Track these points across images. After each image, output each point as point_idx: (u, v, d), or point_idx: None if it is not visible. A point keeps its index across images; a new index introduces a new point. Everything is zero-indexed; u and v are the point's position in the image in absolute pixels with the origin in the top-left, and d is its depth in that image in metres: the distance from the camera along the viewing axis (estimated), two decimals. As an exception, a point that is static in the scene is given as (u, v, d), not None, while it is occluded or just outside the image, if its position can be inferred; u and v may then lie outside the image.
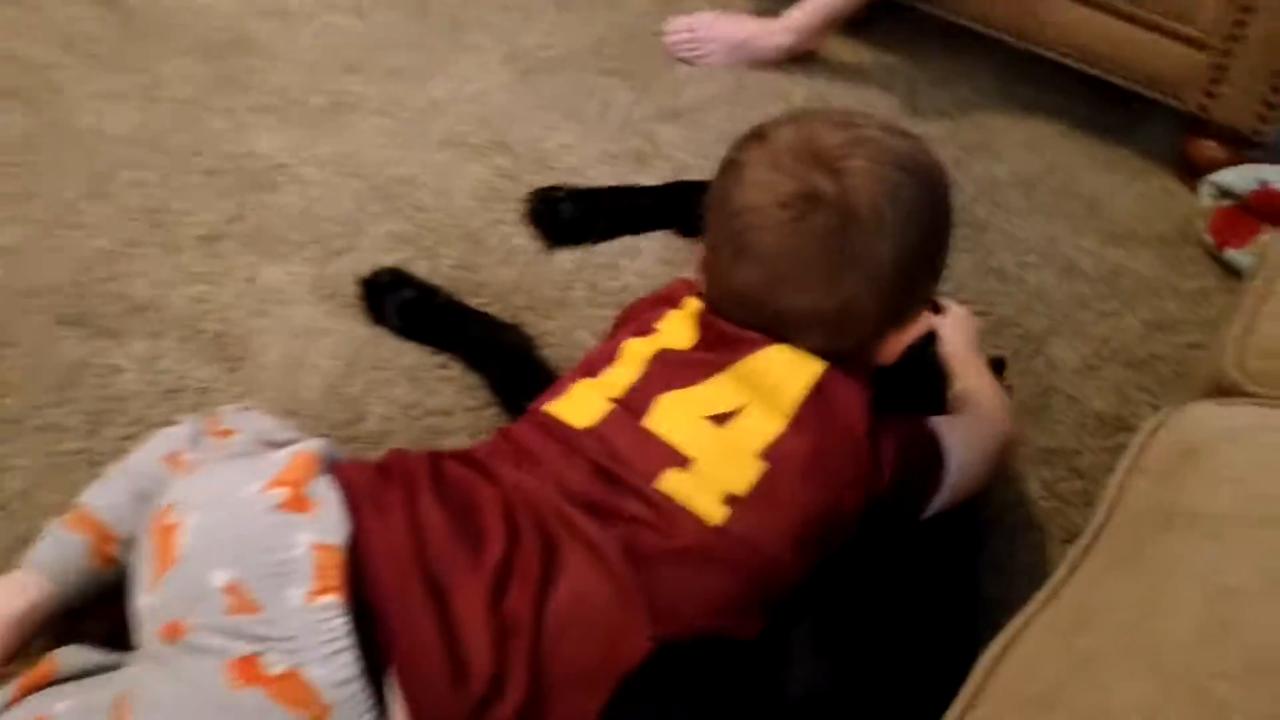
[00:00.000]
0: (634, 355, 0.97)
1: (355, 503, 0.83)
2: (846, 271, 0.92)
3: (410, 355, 1.29)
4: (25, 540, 0.97)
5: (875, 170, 0.92)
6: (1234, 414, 0.69)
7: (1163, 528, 0.59)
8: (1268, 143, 1.68)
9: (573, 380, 0.97)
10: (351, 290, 1.34)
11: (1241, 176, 1.61)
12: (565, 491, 0.87)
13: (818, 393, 0.92)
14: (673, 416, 0.92)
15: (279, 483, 0.84)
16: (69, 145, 1.50)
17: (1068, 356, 1.47)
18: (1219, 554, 0.56)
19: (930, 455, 0.98)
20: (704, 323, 0.98)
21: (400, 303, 1.30)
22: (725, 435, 0.91)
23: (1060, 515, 1.27)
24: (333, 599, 0.80)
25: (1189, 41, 1.64)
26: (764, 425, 0.91)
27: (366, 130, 1.62)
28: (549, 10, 1.96)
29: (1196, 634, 0.50)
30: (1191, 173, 1.73)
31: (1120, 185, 1.76)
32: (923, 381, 1.21)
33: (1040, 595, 0.60)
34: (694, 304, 1.00)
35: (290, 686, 0.79)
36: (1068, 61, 1.77)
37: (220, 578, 0.80)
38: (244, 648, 0.80)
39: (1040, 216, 1.69)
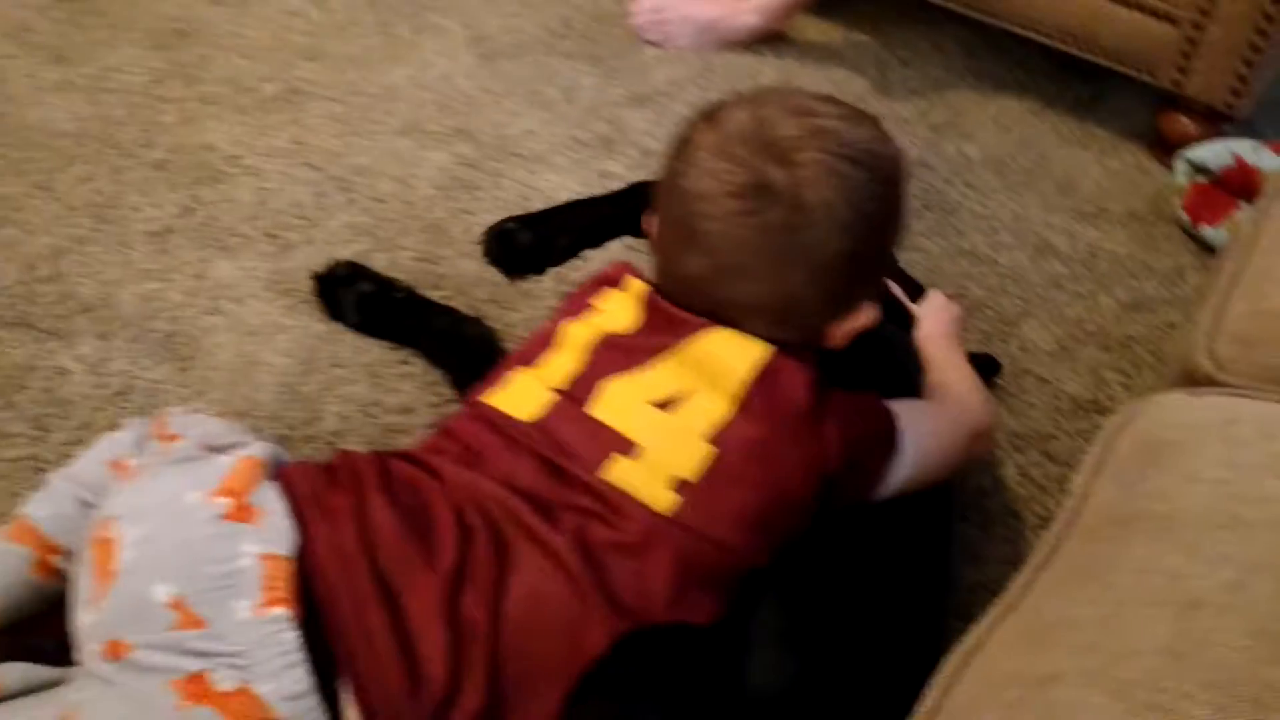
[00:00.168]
0: (574, 341, 0.94)
1: (302, 508, 0.81)
2: (794, 265, 0.90)
3: (369, 352, 1.25)
4: (-35, 553, 0.93)
5: (828, 164, 0.90)
6: (1204, 406, 0.67)
7: (1127, 533, 0.57)
8: (1241, 117, 1.65)
9: (511, 369, 0.95)
10: (307, 285, 1.31)
11: (1215, 152, 1.59)
12: (514, 489, 0.85)
13: (764, 375, 0.90)
14: (618, 403, 0.90)
15: (222, 491, 0.81)
16: (14, 139, 1.46)
17: (1041, 338, 1.45)
18: (1184, 562, 0.53)
19: (881, 434, 0.96)
20: (650, 305, 0.96)
21: (357, 297, 1.27)
22: (672, 420, 0.89)
23: (1036, 501, 1.24)
24: (282, 611, 0.77)
25: (1161, 16, 1.62)
26: (711, 409, 0.89)
27: (322, 119, 1.58)
28: (511, -9, 1.92)
29: (1160, 652, 0.48)
30: (1165, 148, 1.70)
31: (1093, 162, 1.73)
32: (895, 369, 1.18)
33: (998, 607, 0.57)
34: (637, 285, 0.97)
35: (241, 703, 0.77)
36: (1039, 38, 1.74)
37: (163, 593, 0.77)
38: (191, 665, 0.77)
39: (1012, 196, 1.67)
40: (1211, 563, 0.52)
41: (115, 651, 0.78)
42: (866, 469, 0.94)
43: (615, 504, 0.85)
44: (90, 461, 0.96)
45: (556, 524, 0.84)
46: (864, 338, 1.20)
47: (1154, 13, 1.62)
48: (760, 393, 0.90)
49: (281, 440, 1.14)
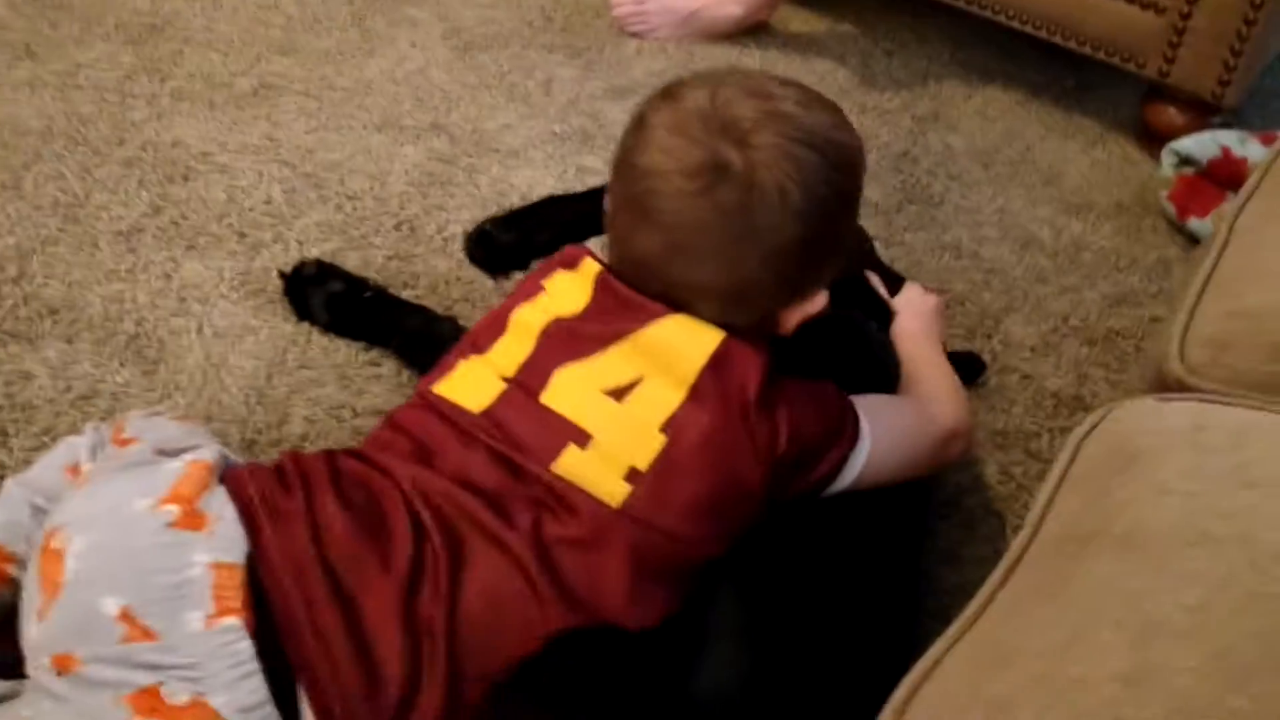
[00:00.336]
0: (524, 326, 0.93)
1: (252, 513, 0.79)
2: (746, 248, 0.89)
3: (339, 353, 1.23)
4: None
5: (784, 147, 0.89)
6: (1174, 413, 0.65)
7: (1089, 548, 0.55)
8: (1229, 107, 1.63)
9: (461, 356, 0.93)
10: (277, 285, 1.28)
11: (1202, 143, 1.57)
12: (467, 484, 0.84)
13: (716, 362, 0.89)
14: (570, 391, 0.88)
15: (170, 498, 0.79)
16: (-19, 138, 1.44)
17: (1025, 334, 1.43)
18: (1147, 581, 0.51)
19: (834, 425, 0.94)
20: (601, 284, 0.94)
21: (327, 297, 1.24)
22: (625, 409, 0.88)
23: (1017, 500, 1.23)
24: (234, 620, 0.76)
25: (1147, 5, 1.59)
26: (664, 397, 0.88)
27: (295, 114, 1.55)
28: (491, -17, 1.89)
29: (1118, 679, 0.46)
30: (1152, 139, 1.68)
31: (1078, 153, 1.71)
32: (873, 364, 1.16)
33: (956, 625, 0.55)
34: (591, 266, 0.96)
35: (196, 716, 0.76)
36: (1024, 28, 1.72)
37: (111, 605, 0.76)
38: (142, 678, 0.76)
39: (997, 188, 1.65)
40: (1175, 582, 0.50)
41: (64, 666, 0.77)
42: (818, 459, 0.93)
43: (568, 498, 0.84)
44: (47, 467, 0.94)
45: (511, 520, 0.83)
46: (841, 332, 1.18)
47: (1140, 2, 1.60)
48: (711, 380, 0.88)
49: (248, 444, 1.13)
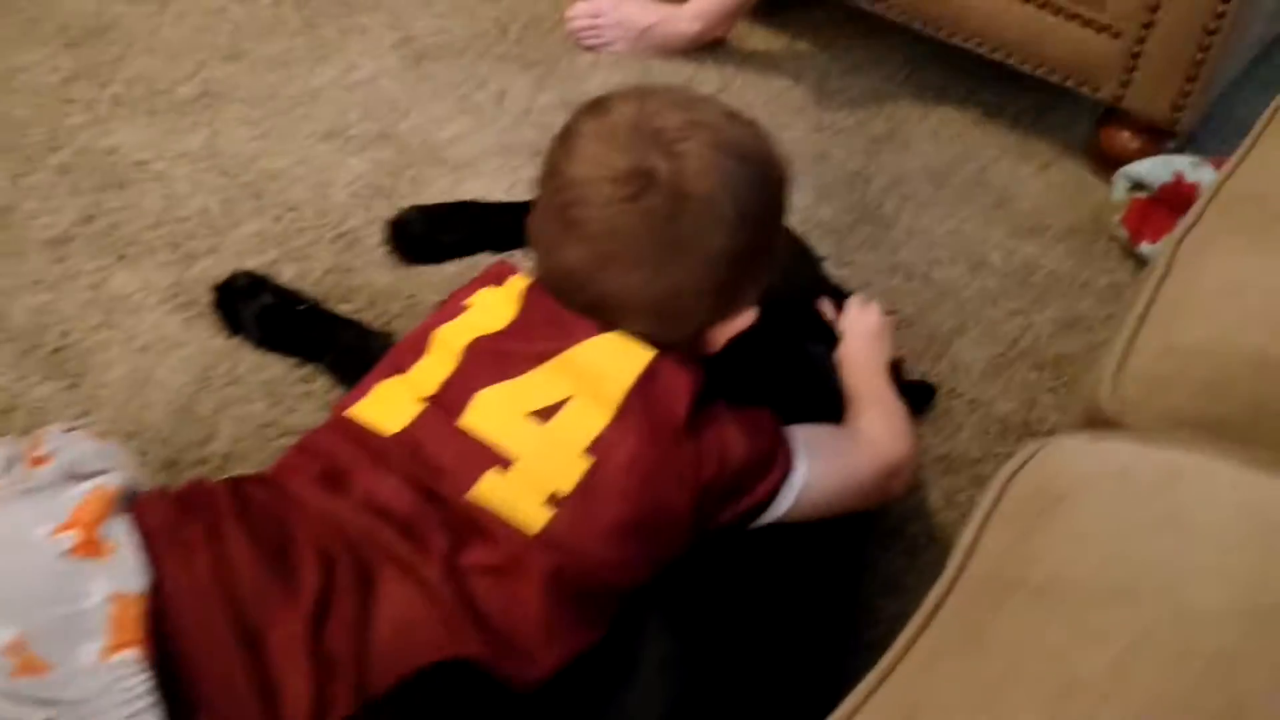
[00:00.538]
0: (445, 345, 0.90)
1: (155, 543, 0.76)
2: (674, 257, 0.88)
3: (271, 369, 1.20)
4: None
5: (712, 156, 0.88)
6: (1105, 452, 0.63)
7: (1007, 599, 0.53)
8: (1184, 132, 1.62)
9: (380, 376, 0.90)
10: (209, 297, 1.25)
11: (1155, 168, 1.56)
12: (378, 512, 0.81)
13: (644, 383, 0.87)
14: (492, 413, 0.86)
15: (70, 524, 0.76)
16: (-90, 141, 1.40)
17: (974, 357, 1.41)
18: (1069, 636, 0.49)
19: (765, 453, 0.92)
20: (528, 300, 0.92)
21: (259, 310, 1.21)
22: (549, 431, 0.85)
23: (962, 528, 1.20)
24: (131, 654, 0.73)
25: (1102, 28, 1.58)
26: (589, 419, 0.86)
27: (238, 122, 1.52)
28: (446, -8, 1.86)
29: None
30: (1106, 163, 1.67)
31: (1032, 175, 1.70)
32: (821, 391, 1.14)
33: (866, 682, 0.53)
34: (518, 282, 0.94)
35: (88, 754, 0.72)
36: (980, 50, 1.70)
37: (2, 636, 0.72)
38: (34, 715, 0.73)
39: (950, 209, 1.63)
40: (1094, 639, 0.48)
41: (-49, 700, 0.73)
42: (748, 487, 0.91)
43: (485, 525, 0.82)
44: (-47, 485, 0.90)
45: (424, 548, 0.80)
46: (788, 358, 1.16)
47: (1095, 25, 1.59)
48: (639, 401, 0.87)
49: (170, 464, 1.09)
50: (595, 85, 1.72)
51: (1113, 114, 1.65)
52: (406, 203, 1.45)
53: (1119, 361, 0.72)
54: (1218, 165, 1.53)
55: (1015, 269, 1.55)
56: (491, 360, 0.89)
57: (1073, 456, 0.63)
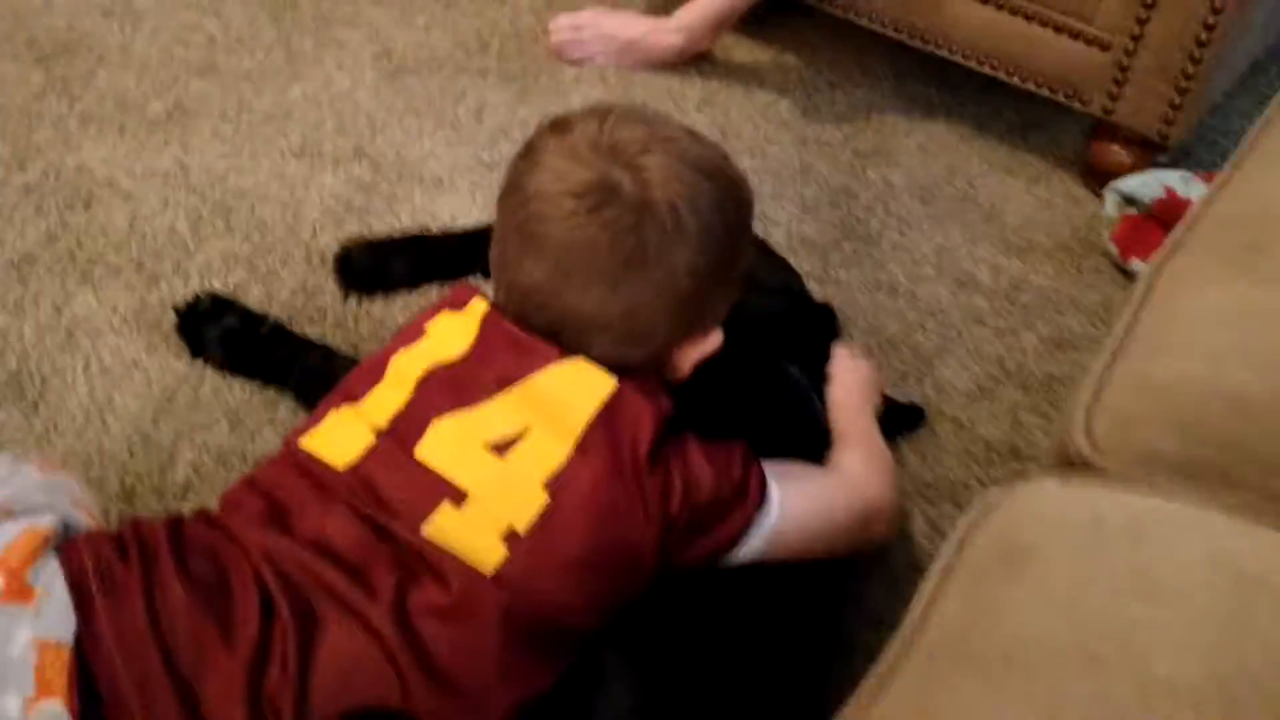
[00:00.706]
0: (401, 373, 0.87)
1: (84, 587, 0.73)
2: (637, 272, 0.86)
3: (233, 393, 1.17)
4: None
5: (675, 168, 0.87)
6: (1074, 499, 0.59)
7: (963, 666, 0.49)
8: (1175, 146, 1.59)
9: (332, 405, 0.87)
10: (173, 320, 1.22)
11: (1146, 183, 1.53)
12: (323, 551, 0.78)
13: (607, 412, 0.84)
14: (447, 444, 0.83)
15: (-4, 568, 0.72)
16: None
17: (958, 378, 1.38)
18: (1024, 713, 0.45)
19: (735, 489, 0.89)
20: (487, 324, 0.89)
21: (222, 333, 1.18)
22: (506, 464, 0.82)
23: (922, 582, 1.16)
24: (55, 704, 0.70)
25: (1090, 41, 1.55)
26: (548, 451, 0.83)
27: (209, 139, 1.49)
28: (429, 4, 1.83)
29: None
30: (1096, 178, 1.64)
31: (1021, 191, 1.67)
32: (789, 413, 1.11)
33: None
34: (479, 306, 0.91)
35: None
36: (967, 62, 1.68)
37: (-77, 684, 0.69)
38: (-47, 768, 0.69)
39: (936, 225, 1.60)
40: (1056, 716, 0.45)
41: None
42: (715, 524, 0.87)
43: (437, 564, 0.79)
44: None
45: (371, 589, 0.77)
46: (762, 379, 1.13)
47: (1083, 37, 1.56)
48: (601, 432, 0.84)
49: (127, 493, 1.06)
50: (577, 99, 1.70)
51: (1103, 128, 1.62)
52: (379, 220, 1.42)
53: (1092, 397, 0.68)
54: (1210, 180, 1.50)
55: (1003, 287, 1.52)
56: (448, 389, 0.86)
57: (1039, 503, 0.60)
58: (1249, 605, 0.49)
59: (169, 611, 0.73)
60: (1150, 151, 1.60)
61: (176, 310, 1.21)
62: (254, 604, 0.74)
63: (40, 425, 1.11)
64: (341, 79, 1.65)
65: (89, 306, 1.23)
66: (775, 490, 0.90)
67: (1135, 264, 1.53)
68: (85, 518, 0.85)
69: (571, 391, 0.85)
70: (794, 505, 0.91)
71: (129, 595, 0.73)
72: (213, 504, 0.86)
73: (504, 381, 0.85)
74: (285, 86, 1.61)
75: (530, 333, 0.88)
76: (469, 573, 0.78)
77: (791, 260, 1.42)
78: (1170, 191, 1.51)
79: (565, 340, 0.88)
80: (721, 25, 1.78)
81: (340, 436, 0.84)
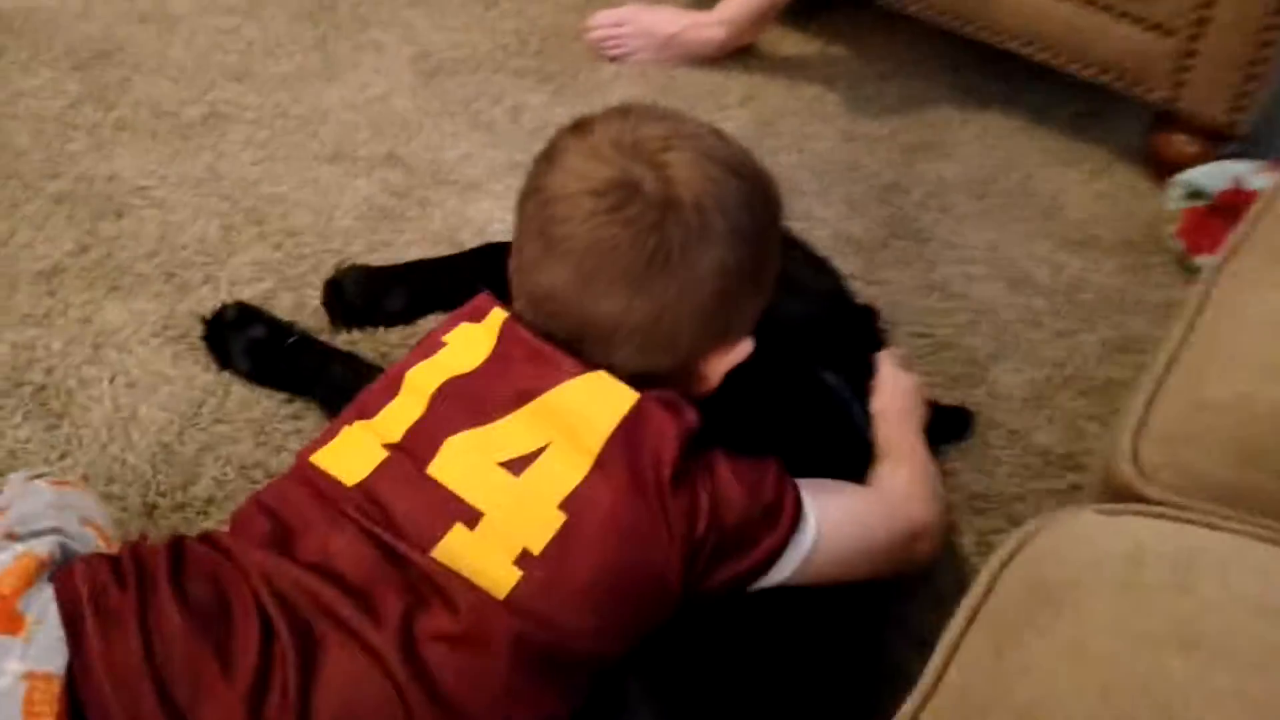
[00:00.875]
0: (415, 387, 0.84)
1: (78, 615, 0.71)
2: (661, 274, 0.81)
3: (259, 405, 1.15)
4: None
5: (700, 164, 0.83)
6: (1113, 531, 0.54)
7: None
8: (1242, 135, 1.51)
9: (347, 421, 0.84)
10: (200, 331, 1.20)
11: (1213, 174, 1.45)
12: (328, 574, 0.75)
13: (628, 428, 0.80)
14: (462, 461, 0.79)
15: (-12, 594, 0.70)
16: (-93, 171, 1.37)
17: (1014, 383, 1.32)
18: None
19: (766, 509, 0.84)
20: (505, 335, 0.85)
21: (248, 343, 1.16)
22: (521, 483, 0.79)
23: (947, 623, 1.10)
24: None
25: (1152, 26, 1.48)
26: (566, 469, 0.79)
27: (243, 144, 1.47)
28: (466, 4, 1.80)
29: None
30: (1160, 170, 1.56)
31: (1081, 184, 1.60)
32: (828, 424, 1.06)
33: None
34: (498, 316, 0.87)
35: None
36: (1023, 51, 1.61)
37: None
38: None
39: (991, 221, 1.53)
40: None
41: None
42: (746, 547, 0.83)
43: (447, 587, 0.75)
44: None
45: (377, 614, 0.74)
46: (799, 388, 1.08)
47: (1146, 23, 1.49)
48: (621, 449, 0.79)
49: (149, 509, 1.04)
50: (616, 97, 1.65)
51: (1166, 117, 1.55)
52: (412, 226, 1.39)
53: (1139, 419, 0.63)
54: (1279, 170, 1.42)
55: (1061, 286, 1.45)
56: (463, 403, 0.82)
57: (1077, 538, 0.54)
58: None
59: (165, 640, 0.71)
60: (1216, 141, 1.52)
61: (203, 320, 1.19)
62: (254, 630, 0.72)
63: (63, 439, 1.09)
64: (378, 82, 1.62)
65: (117, 318, 1.22)
66: (812, 512, 0.85)
67: (1201, 260, 1.45)
68: (95, 536, 0.83)
69: (591, 406, 0.81)
70: (831, 528, 0.86)
71: (123, 624, 0.71)
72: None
73: (521, 396, 0.82)
74: (321, 90, 1.59)
75: (550, 344, 0.84)
76: (480, 597, 0.75)
77: (836, 260, 1.36)
78: (1238, 183, 1.44)
79: (587, 349, 0.84)
80: (764, 18, 1.73)
81: (352, 452, 0.81)
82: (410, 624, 0.74)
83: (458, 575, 0.75)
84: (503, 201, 1.44)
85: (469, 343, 0.86)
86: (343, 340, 1.22)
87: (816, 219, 1.49)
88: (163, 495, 1.06)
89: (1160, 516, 0.55)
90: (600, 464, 0.79)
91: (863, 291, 1.38)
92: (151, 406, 1.13)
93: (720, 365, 0.88)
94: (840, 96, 1.71)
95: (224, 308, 1.19)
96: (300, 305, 1.26)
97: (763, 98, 1.69)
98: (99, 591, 0.72)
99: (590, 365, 0.84)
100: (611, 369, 0.84)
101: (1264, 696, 0.43)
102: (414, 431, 0.81)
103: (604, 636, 0.78)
